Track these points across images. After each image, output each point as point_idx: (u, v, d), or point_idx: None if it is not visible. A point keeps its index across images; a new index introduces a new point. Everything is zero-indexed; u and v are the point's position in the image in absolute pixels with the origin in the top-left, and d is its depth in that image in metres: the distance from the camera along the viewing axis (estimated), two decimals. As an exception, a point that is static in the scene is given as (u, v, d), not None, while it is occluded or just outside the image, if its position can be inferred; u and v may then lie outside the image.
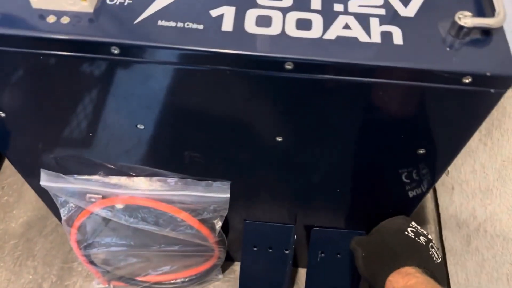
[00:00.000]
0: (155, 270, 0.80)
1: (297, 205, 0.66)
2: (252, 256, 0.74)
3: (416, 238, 0.56)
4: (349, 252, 0.66)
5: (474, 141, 0.69)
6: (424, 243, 0.55)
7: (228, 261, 0.86)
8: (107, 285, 0.83)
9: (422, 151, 0.49)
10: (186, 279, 0.81)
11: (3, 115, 0.50)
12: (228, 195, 0.60)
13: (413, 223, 0.59)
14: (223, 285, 0.85)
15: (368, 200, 0.61)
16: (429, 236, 0.58)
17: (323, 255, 0.71)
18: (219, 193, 0.61)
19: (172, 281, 0.82)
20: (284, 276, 0.76)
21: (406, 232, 0.56)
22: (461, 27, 0.39)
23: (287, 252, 0.73)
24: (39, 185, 0.61)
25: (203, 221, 0.65)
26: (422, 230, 0.58)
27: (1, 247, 0.87)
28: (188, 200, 0.62)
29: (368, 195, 0.60)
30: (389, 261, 0.53)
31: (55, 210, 0.69)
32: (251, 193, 0.63)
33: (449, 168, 0.64)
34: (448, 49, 0.39)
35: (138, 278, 0.81)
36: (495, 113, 0.62)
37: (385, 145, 0.49)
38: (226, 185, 0.60)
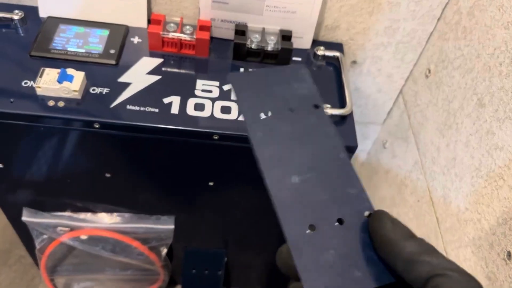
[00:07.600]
0: (109, 292, 0.95)
1: (227, 233, 0.86)
2: (191, 278, 0.92)
3: None
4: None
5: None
6: None
7: (171, 285, 1.02)
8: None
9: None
10: (135, 300, 0.97)
11: (1, 166, 0.66)
12: (173, 227, 0.78)
13: None
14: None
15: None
16: None
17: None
18: (165, 225, 0.79)
19: (122, 302, 0.97)
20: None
21: None
22: (324, 115, 0.61)
23: (219, 272, 0.92)
24: (18, 220, 0.76)
25: (151, 248, 0.82)
26: None
27: (-33, 278, 0.98)
28: (140, 231, 0.79)
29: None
30: None
31: (25, 241, 0.83)
32: (191, 224, 0.82)
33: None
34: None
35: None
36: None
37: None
38: (171, 218, 0.78)
